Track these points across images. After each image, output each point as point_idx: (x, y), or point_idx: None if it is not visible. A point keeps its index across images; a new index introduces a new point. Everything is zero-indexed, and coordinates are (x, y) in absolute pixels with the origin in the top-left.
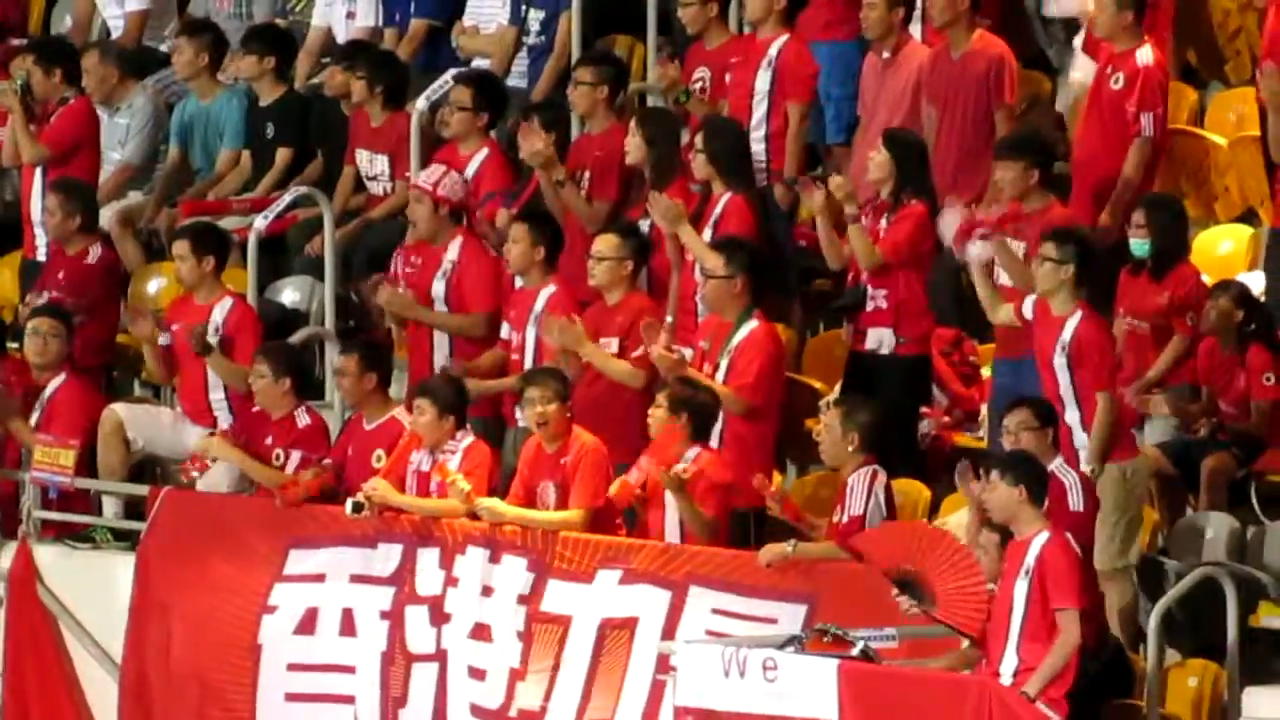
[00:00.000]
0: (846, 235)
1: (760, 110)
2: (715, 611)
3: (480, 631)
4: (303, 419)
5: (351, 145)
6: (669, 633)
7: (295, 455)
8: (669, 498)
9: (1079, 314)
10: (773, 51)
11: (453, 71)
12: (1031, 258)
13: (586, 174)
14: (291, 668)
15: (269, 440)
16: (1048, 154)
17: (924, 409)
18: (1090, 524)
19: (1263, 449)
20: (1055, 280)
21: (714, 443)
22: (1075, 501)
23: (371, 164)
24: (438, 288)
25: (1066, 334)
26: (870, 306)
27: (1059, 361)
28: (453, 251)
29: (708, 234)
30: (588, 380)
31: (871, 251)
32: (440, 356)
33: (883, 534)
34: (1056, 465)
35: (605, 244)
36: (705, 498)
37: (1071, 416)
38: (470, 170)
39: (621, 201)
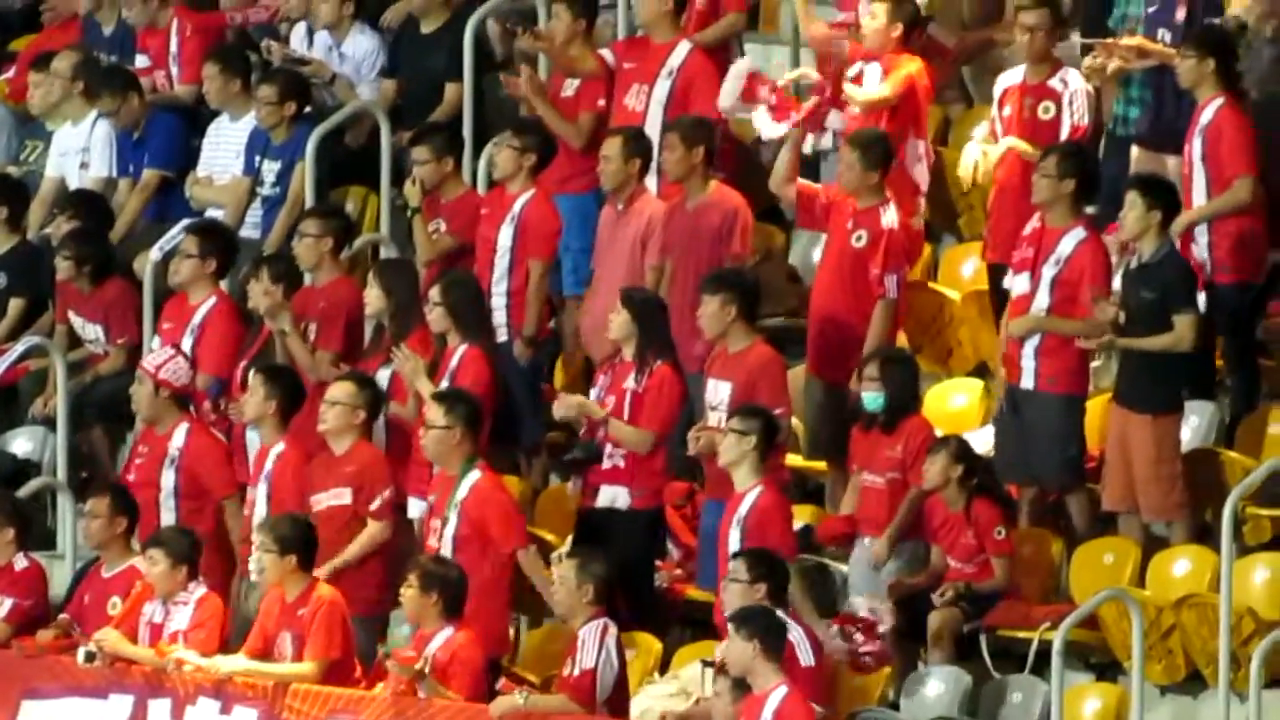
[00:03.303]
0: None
1: (502, 266)
2: None
3: None
4: (20, 563)
5: (61, 306)
6: None
7: (7, 602)
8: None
9: (759, 489)
10: (516, 208)
11: (185, 221)
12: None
13: (312, 325)
14: None
15: None
16: (748, 291)
17: (658, 562)
18: (821, 678)
19: (994, 602)
20: (739, 451)
21: None
22: (804, 657)
23: (84, 329)
24: (167, 479)
25: (744, 508)
26: (608, 464)
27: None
28: (178, 439)
29: (445, 385)
30: (323, 528)
31: (643, 438)
32: (167, 517)
33: None
34: None
35: (340, 390)
36: (459, 680)
37: None
38: (198, 318)
39: (346, 353)
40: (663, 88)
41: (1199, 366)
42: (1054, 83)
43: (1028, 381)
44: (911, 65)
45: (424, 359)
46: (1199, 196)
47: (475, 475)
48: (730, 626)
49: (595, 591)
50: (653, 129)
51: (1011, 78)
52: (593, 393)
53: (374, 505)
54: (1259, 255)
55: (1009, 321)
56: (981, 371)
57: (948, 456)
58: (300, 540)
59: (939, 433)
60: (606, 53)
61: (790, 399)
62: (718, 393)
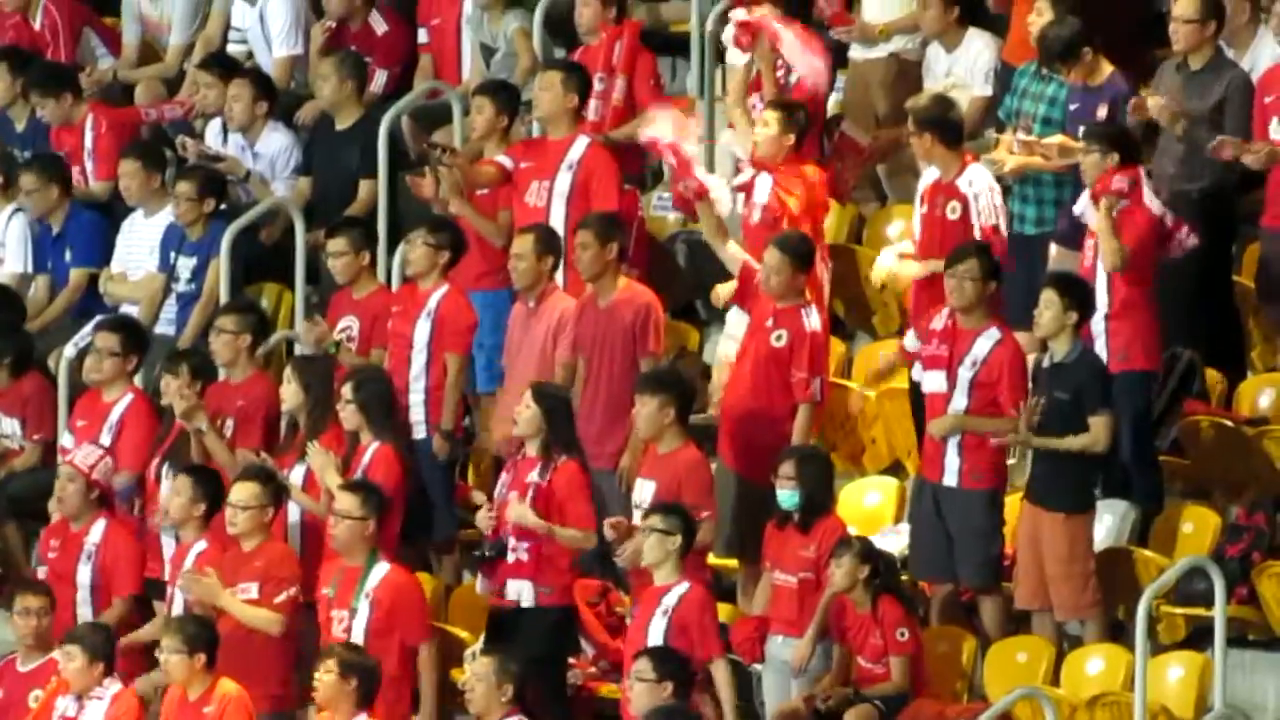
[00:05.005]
0: None
1: (419, 362)
2: None
3: None
4: None
5: None
6: None
7: None
8: None
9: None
10: (431, 303)
11: (99, 318)
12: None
13: (230, 421)
14: None
15: None
16: (686, 393)
17: (571, 659)
18: None
19: (907, 702)
20: (663, 551)
21: None
22: None
23: (1, 424)
24: (83, 574)
25: (670, 600)
26: (511, 559)
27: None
28: (95, 534)
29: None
30: (228, 625)
31: (586, 536)
32: (85, 612)
33: None
34: None
35: (246, 492)
36: None
37: None
38: (114, 416)
39: (264, 450)
40: (564, 181)
41: (1111, 465)
42: (960, 182)
43: (950, 479)
44: (809, 175)
45: (338, 456)
46: (1100, 291)
47: (385, 566)
48: None
49: (514, 690)
50: (555, 224)
51: (931, 175)
52: (496, 489)
53: (278, 599)
54: (1153, 344)
55: (929, 423)
56: (895, 470)
57: (854, 558)
58: (206, 640)
59: (853, 531)
60: (505, 159)
61: (713, 502)
62: (643, 491)
